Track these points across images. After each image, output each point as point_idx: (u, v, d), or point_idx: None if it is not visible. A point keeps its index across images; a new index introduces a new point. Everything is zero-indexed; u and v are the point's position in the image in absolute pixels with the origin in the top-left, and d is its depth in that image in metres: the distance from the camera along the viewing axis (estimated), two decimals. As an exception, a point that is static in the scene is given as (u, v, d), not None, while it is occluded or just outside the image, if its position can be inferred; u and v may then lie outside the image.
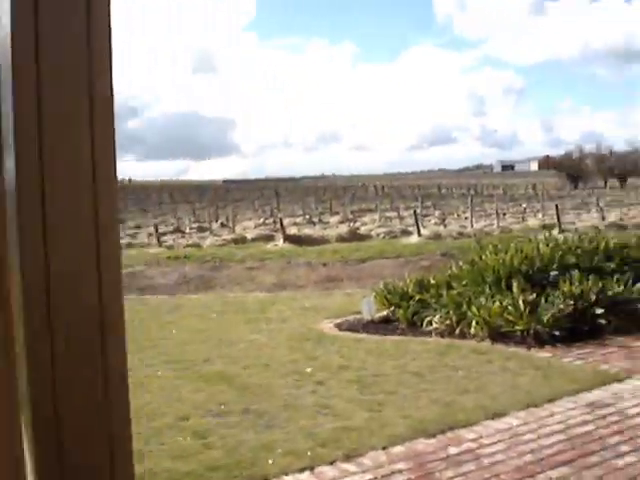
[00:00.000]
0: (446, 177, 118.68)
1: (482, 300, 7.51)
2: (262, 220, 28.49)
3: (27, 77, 0.75)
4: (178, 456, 4.32)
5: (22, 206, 0.76)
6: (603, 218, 24.19)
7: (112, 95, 0.79)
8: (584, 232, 14.87)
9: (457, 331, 7.40)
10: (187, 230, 25.69)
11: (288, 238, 18.99)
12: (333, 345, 7.20)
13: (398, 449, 4.32)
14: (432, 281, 8.72)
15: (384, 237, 20.39)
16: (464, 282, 8.20)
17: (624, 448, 4.18)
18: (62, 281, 0.77)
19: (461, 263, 8.97)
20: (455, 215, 28.71)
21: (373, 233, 21.25)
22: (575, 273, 7.84)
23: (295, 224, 25.68)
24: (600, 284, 7.59)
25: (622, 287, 7.67)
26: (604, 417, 4.76)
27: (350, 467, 4.08)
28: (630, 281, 7.84)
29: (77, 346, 0.78)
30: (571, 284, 7.53)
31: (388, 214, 29.06)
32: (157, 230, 20.99)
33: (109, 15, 0.79)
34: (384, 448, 4.33)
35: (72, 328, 0.78)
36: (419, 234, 18.64)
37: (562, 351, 6.60)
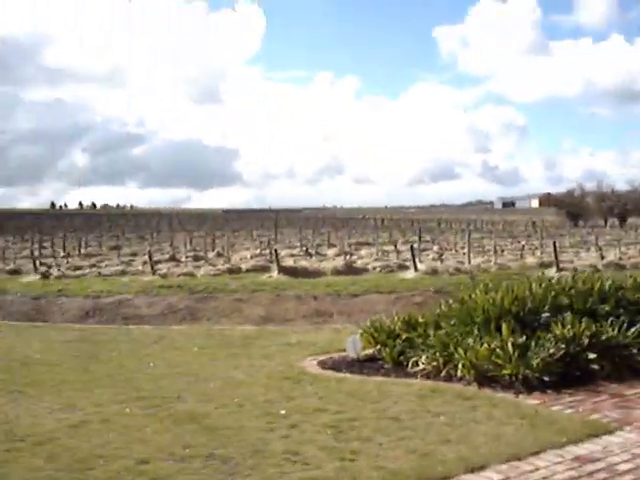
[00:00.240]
0: (448, 212, 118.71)
1: (470, 341, 7.21)
2: (259, 250, 28.22)
3: None
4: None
5: None
6: (602, 257, 23.86)
7: None
8: (582, 271, 14.63)
9: (443, 373, 7.09)
10: (182, 259, 25.43)
11: (283, 270, 18.70)
12: (312, 385, 6.88)
13: (367, 505, 4.00)
14: (420, 319, 8.44)
15: (380, 271, 20.08)
16: (452, 322, 7.91)
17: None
18: None
19: (451, 301, 8.68)
20: (453, 250, 28.44)
21: (369, 267, 20.92)
22: (568, 315, 7.56)
23: (292, 255, 25.42)
24: (593, 327, 7.30)
25: (616, 331, 7.37)
26: (591, 474, 4.43)
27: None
28: (625, 325, 7.53)
29: None
30: (563, 327, 7.24)
31: (386, 248, 28.79)
32: (151, 258, 20.69)
33: None
34: (352, 503, 4.02)
35: None
36: (415, 269, 18.35)
37: (551, 398, 6.28)
